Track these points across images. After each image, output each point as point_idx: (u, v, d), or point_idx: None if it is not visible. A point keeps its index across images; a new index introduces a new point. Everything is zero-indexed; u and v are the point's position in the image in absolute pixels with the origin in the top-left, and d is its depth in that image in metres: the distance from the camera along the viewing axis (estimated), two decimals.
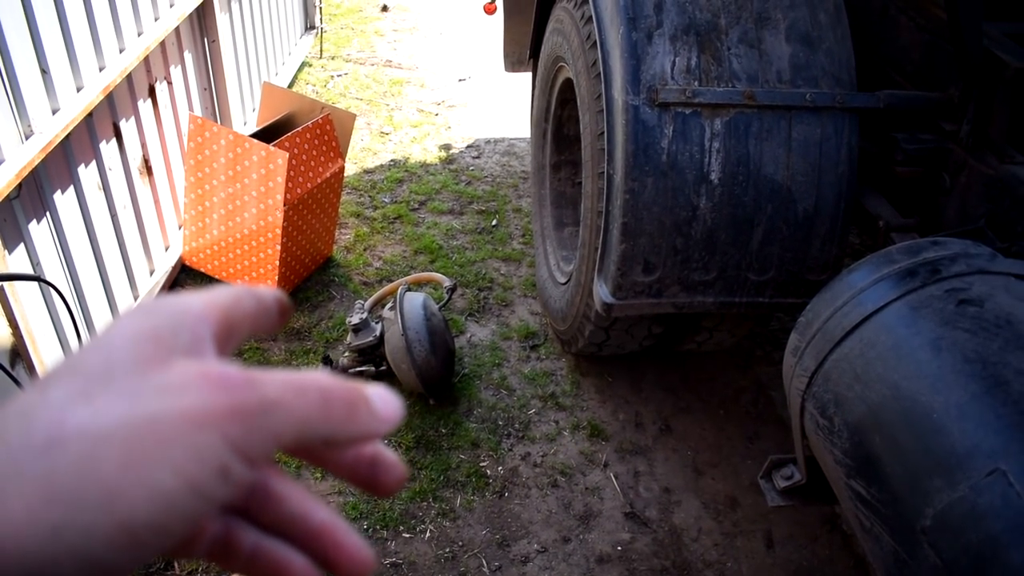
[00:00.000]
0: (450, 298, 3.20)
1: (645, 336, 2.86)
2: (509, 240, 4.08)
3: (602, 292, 2.46)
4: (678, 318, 2.73)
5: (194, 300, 0.37)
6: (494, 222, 4.23)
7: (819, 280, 2.38)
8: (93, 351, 0.33)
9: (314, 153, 3.35)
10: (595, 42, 2.53)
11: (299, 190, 3.24)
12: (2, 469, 0.29)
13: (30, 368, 2.37)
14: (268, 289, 0.41)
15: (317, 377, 0.36)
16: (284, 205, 3.16)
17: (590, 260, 2.67)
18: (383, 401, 0.37)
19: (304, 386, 0.34)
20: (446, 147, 5.09)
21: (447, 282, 3.19)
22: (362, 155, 4.86)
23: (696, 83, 2.31)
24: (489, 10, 4.53)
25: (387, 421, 0.37)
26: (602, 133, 2.46)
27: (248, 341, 3.23)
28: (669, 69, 2.32)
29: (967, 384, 1.43)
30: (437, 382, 2.90)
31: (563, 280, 3.18)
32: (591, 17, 2.57)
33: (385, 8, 7.52)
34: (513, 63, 4.35)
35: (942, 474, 1.37)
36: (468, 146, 5.14)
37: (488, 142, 5.22)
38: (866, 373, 1.57)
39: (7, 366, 2.10)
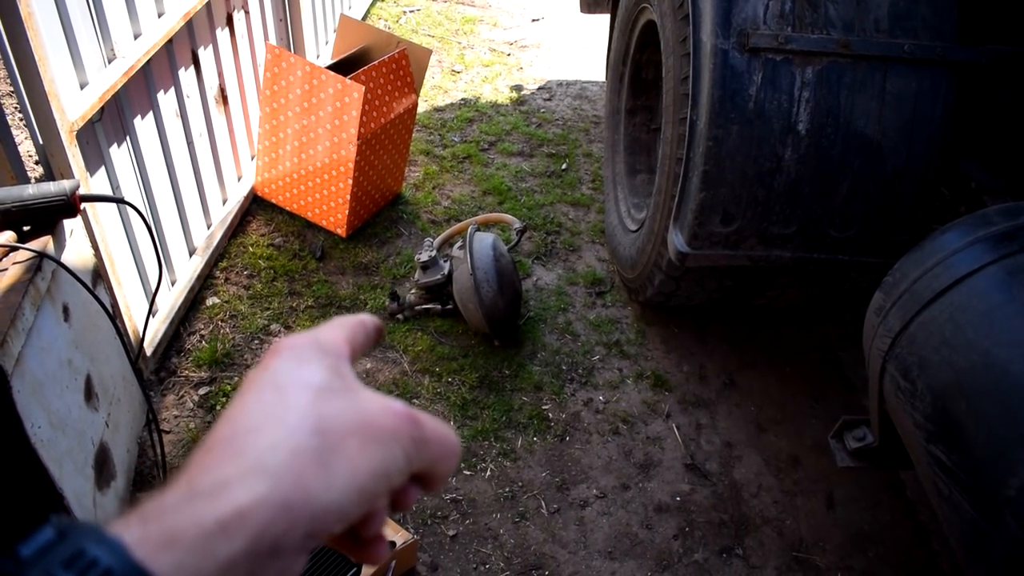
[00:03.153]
0: (519, 240, 3.18)
1: (716, 288, 2.82)
2: (579, 185, 4.03)
3: (677, 241, 2.42)
4: (752, 272, 2.67)
5: (335, 337, 0.48)
6: (564, 166, 4.18)
7: (903, 241, 2.31)
8: (305, 375, 0.44)
9: (388, 88, 3.33)
10: None
11: (372, 125, 3.23)
12: (291, 441, 0.40)
13: (109, 289, 2.42)
14: (368, 317, 0.52)
15: (452, 436, 0.48)
16: (357, 139, 3.15)
17: (665, 208, 2.62)
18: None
19: (443, 436, 0.47)
20: (517, 88, 5.03)
21: (517, 224, 3.16)
22: (433, 93, 4.82)
23: (789, 29, 2.23)
24: None
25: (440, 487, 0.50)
26: (686, 77, 2.39)
27: (321, 281, 3.27)
28: (762, 13, 2.24)
29: None
30: (503, 323, 2.90)
31: (634, 228, 3.14)
32: None
33: None
34: (590, 4, 4.24)
35: None
36: (540, 88, 5.07)
37: (560, 84, 5.14)
38: (955, 338, 1.52)
39: (90, 285, 2.14)
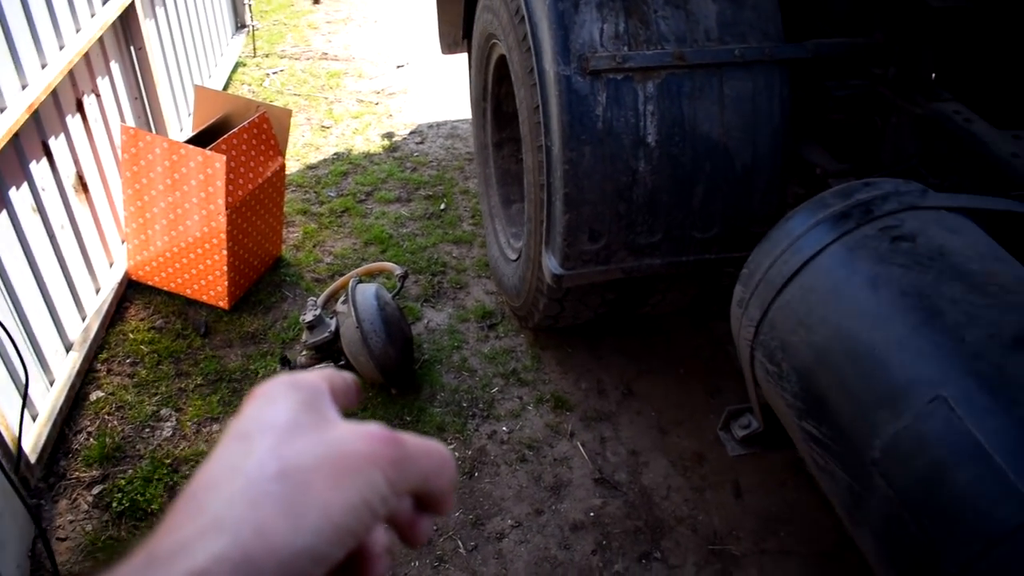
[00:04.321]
0: (403, 286, 3.20)
1: (599, 304, 2.89)
2: (459, 222, 4.08)
3: (551, 264, 2.48)
4: (630, 283, 2.75)
5: (312, 378, 0.47)
6: (442, 206, 4.22)
7: (763, 232, 2.41)
8: (271, 415, 0.44)
9: (252, 153, 3.32)
10: (523, 16, 2.53)
11: (240, 192, 3.21)
12: (250, 491, 0.39)
13: None
14: (345, 373, 0.52)
15: (438, 447, 0.47)
16: (226, 209, 3.13)
17: (537, 234, 2.68)
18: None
19: (429, 450, 0.46)
20: (389, 135, 5.07)
21: (398, 270, 3.18)
22: (304, 151, 4.81)
23: (625, 48, 2.32)
24: None
25: (451, 503, 0.49)
26: (538, 107, 2.46)
27: (208, 357, 3.21)
28: (598, 37, 2.33)
29: (905, 318, 1.47)
30: (396, 371, 2.90)
31: (514, 257, 3.19)
32: None
33: (317, 0, 7.44)
34: (449, 45, 4.32)
35: (887, 406, 1.40)
36: (411, 132, 5.12)
37: (431, 126, 5.20)
38: (809, 317, 1.60)
39: None
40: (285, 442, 0.41)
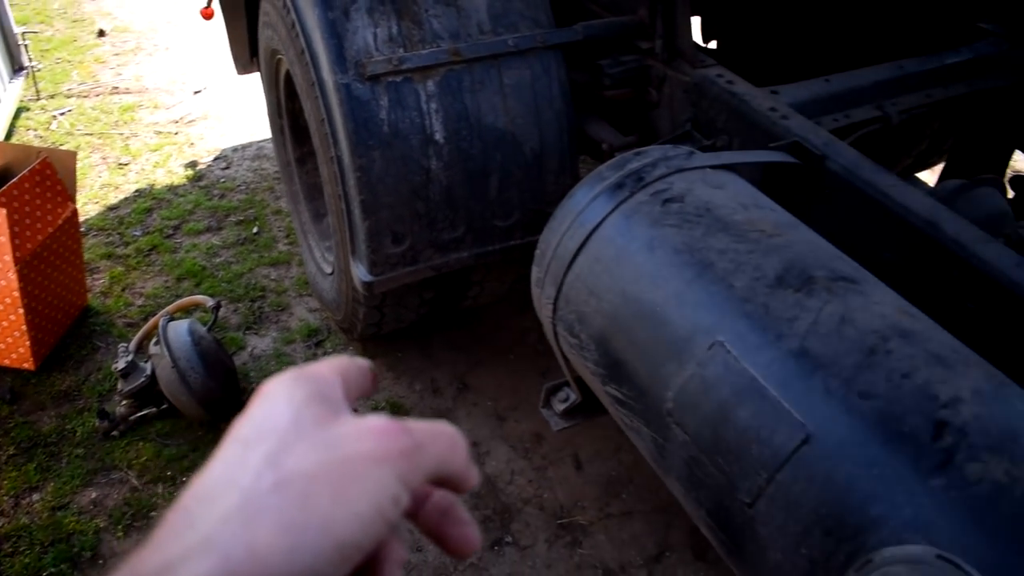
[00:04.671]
0: (217, 317, 3.10)
1: (419, 304, 2.90)
2: (274, 244, 4.00)
3: (360, 272, 2.48)
4: (446, 279, 2.78)
5: (323, 368, 0.45)
6: (255, 229, 4.12)
7: None
8: (272, 415, 0.41)
9: (38, 202, 3.14)
10: (298, 29, 2.51)
11: (30, 244, 3.03)
12: (246, 507, 0.36)
13: None
14: (359, 358, 0.49)
15: (445, 426, 0.45)
16: (16, 264, 2.94)
17: (343, 244, 2.67)
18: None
19: (437, 432, 0.44)
20: (192, 165, 4.90)
21: (210, 302, 3.09)
22: (103, 192, 4.59)
23: (401, 50, 2.34)
24: (206, 15, 4.35)
25: (476, 477, 0.48)
26: (324, 118, 2.45)
27: (19, 424, 3.02)
28: (372, 42, 2.34)
29: (680, 273, 1.55)
30: (221, 405, 2.82)
31: (329, 270, 3.17)
32: (290, 4, 2.54)
33: (102, 33, 7.07)
34: (243, 65, 4.22)
35: (674, 359, 1.49)
36: (216, 158, 4.97)
37: (236, 150, 5.07)
38: (597, 286, 1.67)
39: None
40: (285, 448, 0.39)
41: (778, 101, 2.16)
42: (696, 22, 4.12)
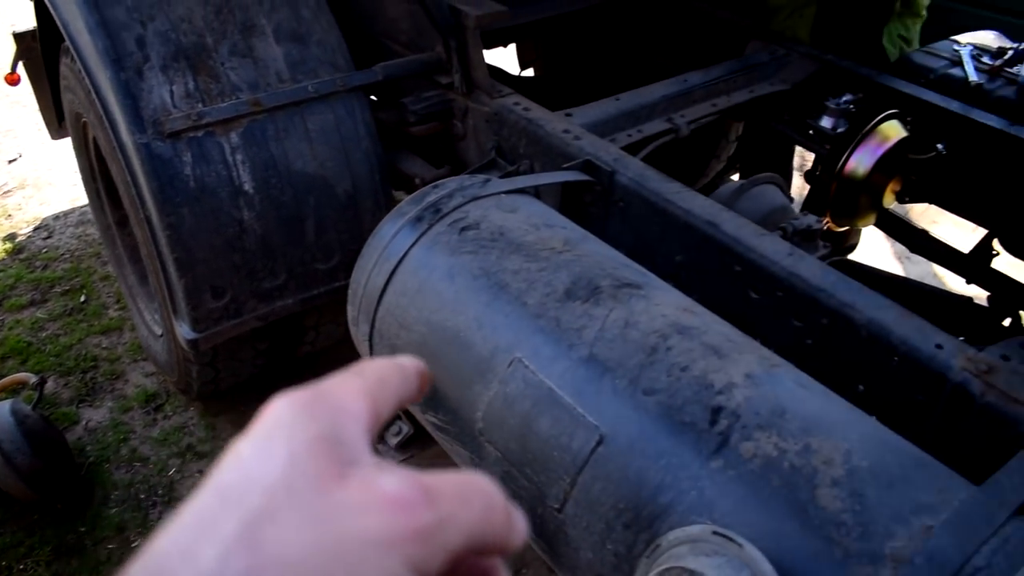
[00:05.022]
0: (42, 393, 2.98)
1: (255, 356, 2.87)
2: (104, 311, 3.86)
3: (183, 331, 2.44)
4: (277, 327, 2.77)
5: (345, 392, 0.38)
6: (83, 298, 3.97)
7: None
8: (263, 461, 0.32)
9: None
10: (94, 92, 2.46)
11: None
12: None
13: None
14: (407, 358, 0.44)
15: (479, 482, 0.37)
16: None
17: (165, 304, 2.62)
18: (517, 511, 0.40)
19: (470, 493, 0.36)
20: (11, 237, 4.67)
21: (33, 378, 2.96)
22: None
23: (200, 105, 2.34)
24: (11, 81, 4.18)
25: (522, 531, 0.40)
26: (129, 180, 2.41)
27: None
28: (169, 99, 2.32)
29: (478, 297, 1.62)
30: (54, 484, 2.71)
31: (160, 332, 3.10)
32: (82, 68, 2.49)
33: None
34: (55, 130, 4.07)
35: (479, 380, 1.54)
36: (36, 228, 4.76)
37: (58, 218, 4.86)
38: (405, 318, 1.72)
39: None
40: (269, 515, 0.31)
41: (571, 123, 2.27)
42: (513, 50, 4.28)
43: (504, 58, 4.33)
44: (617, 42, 3.58)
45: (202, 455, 3.00)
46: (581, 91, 3.47)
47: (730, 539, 1.12)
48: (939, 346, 1.56)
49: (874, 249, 4.21)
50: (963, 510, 1.18)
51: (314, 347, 3.08)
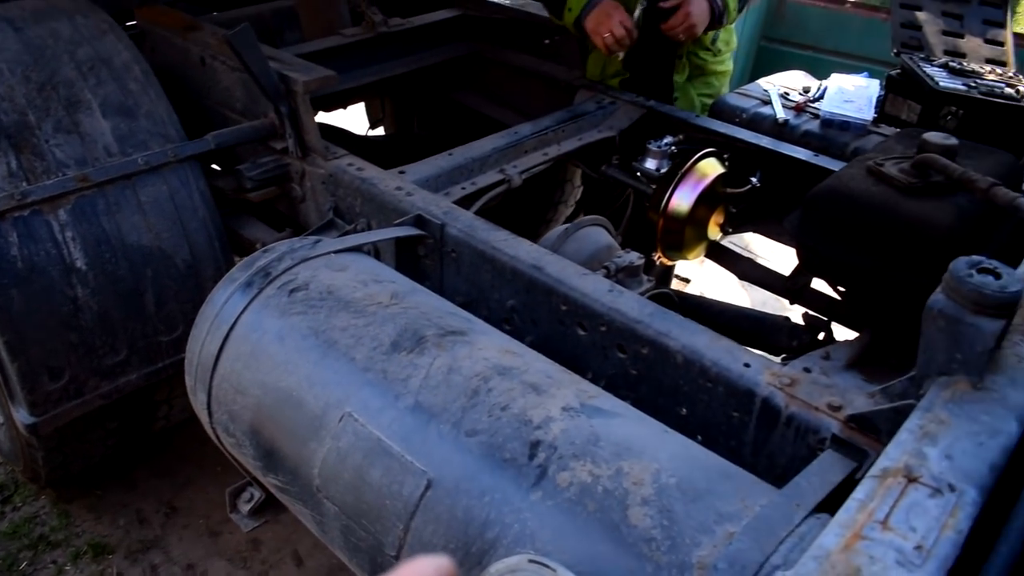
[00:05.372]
0: None
1: (105, 436, 2.79)
2: None
3: (21, 416, 2.36)
4: (124, 405, 2.70)
5: None
6: None
7: None
8: None
9: None
10: None
11: None
12: None
13: None
14: (435, 560, 0.38)
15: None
16: None
17: (1, 390, 2.53)
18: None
19: None
20: None
21: None
22: None
23: (24, 184, 2.29)
24: None
25: None
26: None
27: None
28: None
29: (308, 356, 1.65)
30: None
31: (1, 420, 2.97)
32: None
33: None
34: None
35: (313, 437, 1.57)
36: None
37: None
38: (241, 384, 1.73)
39: None
40: None
41: (404, 180, 2.34)
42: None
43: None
44: (454, 100, 3.70)
45: (55, 544, 2.88)
46: (428, 148, 3.57)
47: (544, 565, 1.17)
48: (747, 365, 1.67)
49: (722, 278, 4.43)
50: (763, 514, 1.27)
51: (169, 421, 3.01)
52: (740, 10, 3.04)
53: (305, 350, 1.65)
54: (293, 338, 1.69)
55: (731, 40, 3.30)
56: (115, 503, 3.04)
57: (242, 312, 1.79)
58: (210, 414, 1.83)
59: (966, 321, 1.30)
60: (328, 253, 1.90)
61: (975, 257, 1.35)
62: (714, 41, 3.18)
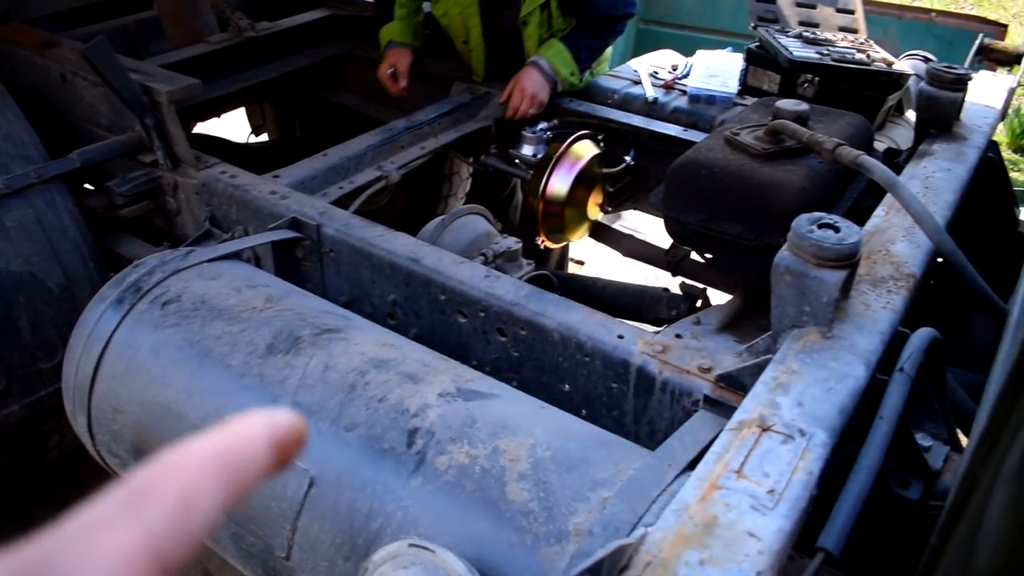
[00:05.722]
0: None
1: None
2: None
3: None
4: (12, 437, 2.62)
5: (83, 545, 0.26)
6: None
7: None
8: None
9: None
10: None
11: None
12: None
13: None
14: (271, 416, 0.31)
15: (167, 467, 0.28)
16: None
17: None
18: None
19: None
20: None
21: None
22: None
23: None
24: None
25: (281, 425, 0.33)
26: None
27: None
28: None
29: (185, 367, 1.63)
30: None
31: None
32: None
33: None
34: None
35: None
36: None
37: None
38: (118, 402, 1.70)
39: None
40: None
41: (278, 184, 2.33)
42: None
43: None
44: (333, 102, 3.68)
45: None
46: (311, 151, 3.54)
47: (424, 548, 1.20)
48: (620, 336, 1.73)
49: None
50: (636, 476, 1.32)
51: (62, 452, 2.93)
52: (583, 69, 3.00)
53: (181, 362, 1.64)
54: (168, 351, 1.67)
55: (602, 63, 3.27)
56: (11, 542, 2.93)
57: (115, 329, 1.76)
58: (92, 437, 1.80)
59: (810, 275, 1.37)
60: (200, 263, 1.88)
61: (815, 214, 1.43)
62: (581, 79, 3.07)
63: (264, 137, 4.45)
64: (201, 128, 3.68)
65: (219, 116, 3.58)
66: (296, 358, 1.57)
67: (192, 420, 1.57)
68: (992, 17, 8.71)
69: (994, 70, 3.29)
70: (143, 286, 1.81)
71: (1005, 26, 5.12)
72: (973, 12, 9.00)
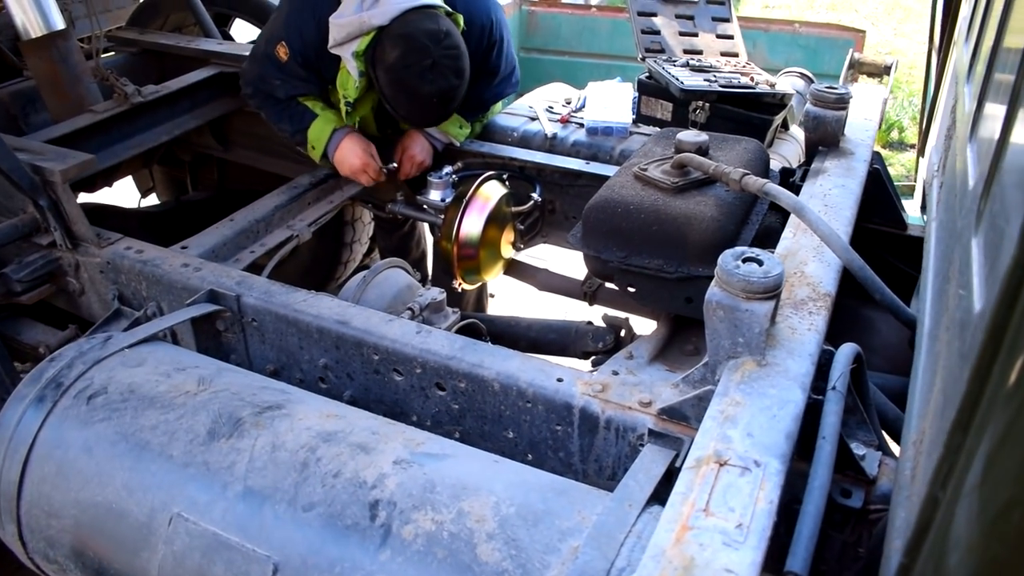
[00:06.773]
0: None
1: None
2: None
3: None
4: None
5: None
6: None
7: None
8: None
9: None
10: None
11: None
12: None
13: None
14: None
15: None
16: None
17: None
18: None
19: None
20: None
21: None
22: None
23: None
24: None
25: None
26: None
27: None
28: None
29: (122, 463, 1.57)
30: None
31: None
32: None
33: None
34: None
35: (144, 546, 1.50)
36: None
37: None
38: (52, 506, 1.62)
39: None
40: None
41: (188, 255, 2.28)
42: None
43: None
44: (226, 159, 3.62)
45: None
46: (208, 210, 3.47)
47: None
48: (560, 379, 1.75)
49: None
50: (600, 522, 1.34)
51: None
52: (474, 120, 3.05)
53: (117, 457, 1.58)
54: (101, 447, 1.60)
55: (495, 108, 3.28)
56: None
57: (39, 430, 1.68)
58: (24, 545, 1.71)
59: (741, 308, 1.43)
60: (121, 349, 1.82)
61: (739, 249, 1.49)
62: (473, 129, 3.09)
63: (154, 199, 4.33)
64: (88, 198, 3.56)
65: (111, 186, 3.46)
66: (240, 441, 1.53)
67: (137, 517, 1.52)
68: (847, 20, 9.23)
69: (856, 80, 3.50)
70: (63, 381, 1.73)
71: (863, 31, 5.43)
72: (829, 17, 9.52)
